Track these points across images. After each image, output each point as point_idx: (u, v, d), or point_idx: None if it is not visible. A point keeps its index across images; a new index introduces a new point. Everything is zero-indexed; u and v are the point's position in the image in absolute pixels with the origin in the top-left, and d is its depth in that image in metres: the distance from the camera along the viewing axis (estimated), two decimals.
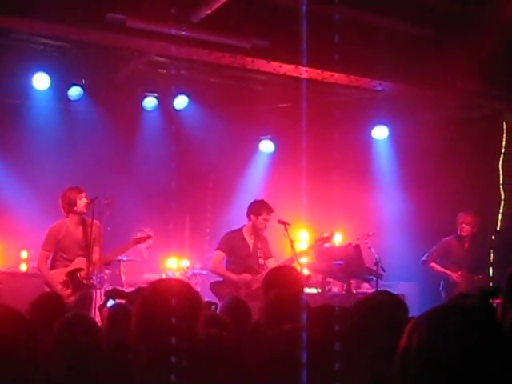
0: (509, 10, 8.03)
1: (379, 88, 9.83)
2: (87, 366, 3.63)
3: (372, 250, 9.04)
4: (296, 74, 9.22)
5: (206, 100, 10.87)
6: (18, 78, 9.83)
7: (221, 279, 8.40)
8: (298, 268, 7.78)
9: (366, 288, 9.66)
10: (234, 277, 8.20)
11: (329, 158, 9.00)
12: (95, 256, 8.00)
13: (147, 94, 10.69)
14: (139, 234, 9.18)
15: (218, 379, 3.03)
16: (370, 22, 8.59)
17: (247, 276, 8.18)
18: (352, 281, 9.32)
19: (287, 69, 9.09)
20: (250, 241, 8.43)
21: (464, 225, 9.46)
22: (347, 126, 10.14)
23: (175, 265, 10.23)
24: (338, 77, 9.29)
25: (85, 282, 7.87)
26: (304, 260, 9.02)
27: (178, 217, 11.56)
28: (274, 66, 9.06)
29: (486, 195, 10.06)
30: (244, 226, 8.52)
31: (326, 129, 9.27)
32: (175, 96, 10.51)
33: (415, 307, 8.05)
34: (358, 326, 3.01)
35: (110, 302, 5.20)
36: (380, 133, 11.03)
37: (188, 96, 10.59)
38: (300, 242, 9.63)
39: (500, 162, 10.02)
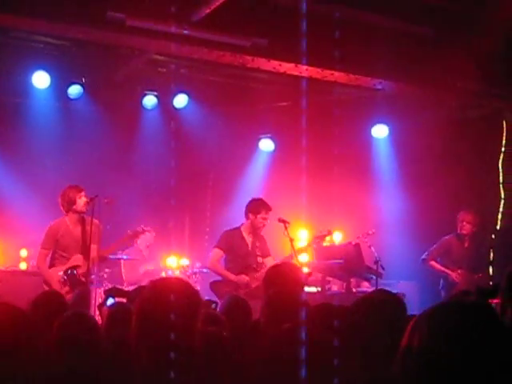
0: (508, 9, 8.02)
1: (379, 87, 9.83)
2: (87, 365, 3.63)
3: (372, 248, 9.05)
4: (296, 73, 9.22)
5: (206, 99, 10.87)
6: (18, 77, 9.82)
7: (220, 278, 8.41)
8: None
9: (366, 287, 9.66)
10: (231, 277, 8.20)
11: (329, 157, 9.02)
12: (93, 253, 8.00)
13: (147, 92, 10.68)
14: (129, 231, 9.11)
15: (218, 377, 3.04)
16: (369, 21, 8.59)
17: (244, 277, 8.19)
18: (352, 279, 9.33)
19: (287, 67, 9.09)
20: (249, 239, 8.44)
21: (464, 223, 9.46)
22: (347, 125, 10.14)
23: (175, 263, 10.24)
24: (337, 75, 9.29)
25: (82, 278, 7.88)
26: (303, 258, 9.03)
27: (178, 215, 11.57)
28: (273, 65, 9.06)
29: (486, 194, 10.06)
30: (242, 224, 8.53)
31: (326, 127, 9.29)
32: (175, 94, 10.51)
33: (415, 306, 8.08)
34: (357, 325, 3.01)
35: (110, 301, 5.21)
36: (380, 132, 11.03)
37: (188, 95, 10.59)
38: (300, 241, 9.63)
39: (500, 161, 10.03)
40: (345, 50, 8.06)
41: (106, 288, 7.73)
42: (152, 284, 3.00)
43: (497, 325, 1.78)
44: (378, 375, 2.65)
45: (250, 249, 8.39)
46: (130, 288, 8.25)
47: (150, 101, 10.74)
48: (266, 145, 11.95)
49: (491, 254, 9.71)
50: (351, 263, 8.78)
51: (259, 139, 11.93)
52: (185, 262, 10.42)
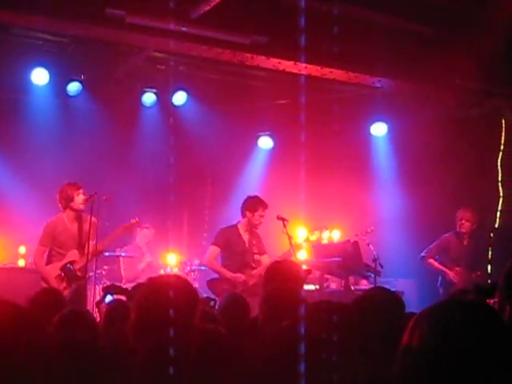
0: (508, 9, 8.02)
1: (378, 85, 9.83)
2: (85, 362, 3.63)
3: (370, 246, 9.04)
4: (295, 71, 9.22)
5: (205, 96, 10.86)
6: (17, 74, 9.81)
7: (217, 276, 8.41)
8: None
9: (364, 285, 9.66)
10: (228, 275, 8.21)
11: (328, 155, 9.04)
12: (90, 249, 8.00)
13: (146, 89, 10.68)
14: (124, 224, 9.06)
15: (216, 375, 3.04)
16: (369, 18, 8.58)
17: (240, 276, 8.19)
18: (350, 277, 9.32)
19: (286, 65, 9.09)
20: (246, 237, 8.46)
21: (464, 221, 9.45)
22: (346, 123, 10.14)
23: (173, 261, 10.24)
24: (337, 73, 9.29)
25: (79, 273, 7.89)
26: (302, 256, 9.04)
27: (177, 213, 11.58)
28: (273, 63, 9.05)
29: (485, 192, 10.06)
30: (239, 222, 8.54)
31: (325, 125, 9.29)
32: (174, 92, 10.50)
33: (413, 304, 8.08)
34: (356, 323, 3.01)
35: (108, 298, 5.21)
36: (379, 130, 11.03)
37: (187, 92, 10.59)
38: (298, 238, 9.64)
39: (499, 160, 10.03)
40: (344, 47, 8.05)
41: (105, 285, 7.74)
42: (150, 281, 3.00)
43: (496, 323, 1.78)
44: (378, 373, 2.65)
45: (247, 246, 8.41)
46: (129, 285, 8.26)
47: (149, 98, 10.74)
48: (265, 142, 11.95)
49: (490, 252, 9.72)
50: (349, 261, 8.79)
51: (258, 137, 11.93)
52: (183, 259, 10.43)
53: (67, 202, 8.04)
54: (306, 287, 8.85)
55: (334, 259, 8.85)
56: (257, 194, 8.93)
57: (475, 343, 1.70)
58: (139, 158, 11.25)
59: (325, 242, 9.98)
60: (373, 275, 8.84)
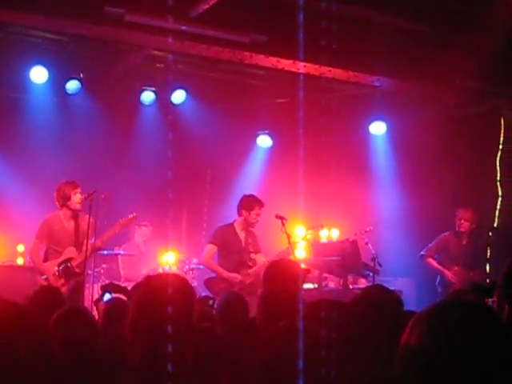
0: (508, 8, 8.02)
1: (377, 84, 9.83)
2: (84, 361, 3.63)
3: (369, 245, 9.05)
4: (294, 69, 9.21)
5: (204, 95, 10.86)
6: (16, 72, 9.81)
7: (214, 275, 8.41)
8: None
9: (363, 283, 9.66)
10: (224, 274, 8.21)
11: (326, 154, 9.01)
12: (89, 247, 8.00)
13: (145, 88, 10.67)
14: (121, 220, 9.04)
15: (213, 374, 3.04)
16: (368, 17, 8.58)
17: (237, 276, 8.19)
18: (349, 276, 9.34)
19: (285, 64, 9.08)
20: (242, 235, 8.47)
21: (463, 221, 9.43)
22: (345, 122, 10.15)
23: (172, 259, 10.24)
24: (336, 72, 9.29)
25: (76, 270, 7.89)
26: (300, 254, 9.05)
27: (176, 211, 11.58)
28: (272, 61, 9.05)
29: (483, 192, 10.06)
30: (235, 221, 8.54)
31: (324, 124, 9.27)
32: (173, 90, 10.50)
33: (412, 302, 8.08)
34: (355, 322, 3.01)
35: (107, 296, 5.20)
36: (378, 128, 11.03)
37: (186, 90, 10.58)
38: (296, 237, 9.64)
39: (498, 159, 10.03)
40: (343, 46, 8.05)
41: (103, 283, 7.73)
42: (148, 280, 2.99)
43: (495, 324, 1.78)
44: (377, 373, 2.65)
45: (243, 245, 8.42)
46: (127, 284, 8.27)
47: (148, 96, 10.73)
48: (264, 141, 11.95)
49: (488, 252, 9.72)
50: (348, 260, 8.80)
51: (257, 135, 11.93)
52: (182, 257, 10.42)
53: (64, 200, 8.05)
54: (305, 286, 8.86)
55: (332, 258, 8.86)
56: (256, 192, 8.94)
57: (474, 343, 1.70)
58: (138, 157, 11.26)
59: (323, 240, 9.99)
60: (371, 274, 8.85)
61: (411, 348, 1.76)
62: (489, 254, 9.69)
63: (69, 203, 8.04)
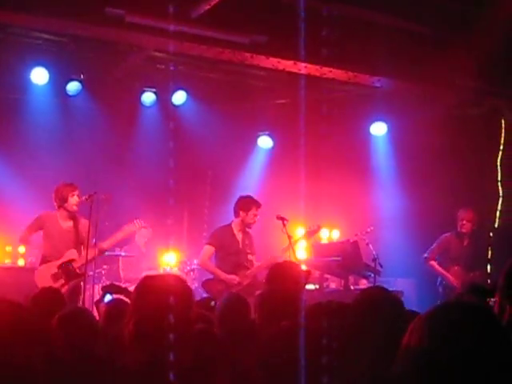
0: (508, 9, 8.02)
1: (378, 84, 9.83)
2: (85, 361, 3.63)
3: (370, 246, 9.04)
4: (295, 70, 9.21)
5: (205, 96, 10.86)
6: (17, 73, 9.82)
7: (212, 276, 8.40)
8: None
9: (364, 284, 9.65)
10: (222, 276, 8.19)
11: (327, 154, 9.03)
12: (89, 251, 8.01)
13: (145, 89, 10.68)
14: (126, 227, 9.05)
15: (212, 375, 3.03)
16: (368, 18, 8.58)
17: (234, 278, 8.17)
18: (350, 277, 9.33)
19: (286, 65, 9.08)
20: (239, 236, 8.45)
21: (465, 222, 9.40)
22: (345, 122, 10.15)
23: (173, 260, 10.24)
24: (336, 73, 9.29)
25: (78, 271, 7.90)
26: (302, 255, 9.05)
27: (176, 212, 11.57)
28: (272, 62, 9.05)
29: (484, 192, 10.06)
30: (232, 222, 8.53)
31: (325, 125, 9.27)
32: (174, 91, 10.50)
33: (413, 303, 8.07)
34: (355, 323, 3.01)
35: (108, 297, 5.21)
36: (378, 129, 11.03)
37: (186, 91, 10.59)
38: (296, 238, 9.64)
39: (498, 159, 10.03)
40: (344, 47, 8.07)
41: (104, 284, 7.73)
42: (147, 281, 2.98)
43: (495, 325, 1.78)
44: (377, 373, 2.65)
45: (240, 246, 8.40)
46: (128, 285, 8.26)
47: (148, 97, 10.74)
48: (265, 142, 11.95)
49: (489, 252, 9.71)
50: (349, 261, 8.79)
51: (258, 136, 11.93)
52: (182, 258, 10.42)
53: (61, 201, 8.07)
54: (306, 287, 8.86)
55: (333, 259, 8.85)
56: (256, 193, 8.94)
57: (474, 345, 1.71)
58: (139, 158, 11.25)
59: (324, 241, 9.99)
60: (372, 275, 8.84)
61: (412, 349, 1.76)
62: (490, 254, 9.69)
63: (66, 205, 8.06)
